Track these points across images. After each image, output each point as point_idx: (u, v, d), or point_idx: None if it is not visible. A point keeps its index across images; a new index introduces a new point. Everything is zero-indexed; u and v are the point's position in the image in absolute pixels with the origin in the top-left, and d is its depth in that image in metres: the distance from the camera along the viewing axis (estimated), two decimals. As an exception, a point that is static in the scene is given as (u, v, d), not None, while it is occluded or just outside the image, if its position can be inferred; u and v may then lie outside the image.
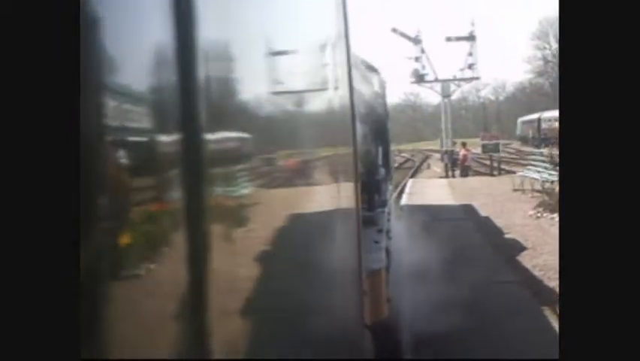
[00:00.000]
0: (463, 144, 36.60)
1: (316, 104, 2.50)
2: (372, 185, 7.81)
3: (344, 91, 3.32)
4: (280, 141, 1.85)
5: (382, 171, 8.87)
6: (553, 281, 9.16)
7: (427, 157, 50.18)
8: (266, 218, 1.60)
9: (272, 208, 1.69)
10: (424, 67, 47.29)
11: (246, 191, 1.42)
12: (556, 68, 71.91)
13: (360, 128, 4.99)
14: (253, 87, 1.60)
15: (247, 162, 1.44)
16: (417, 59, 47.09)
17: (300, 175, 2.14)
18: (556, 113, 39.28)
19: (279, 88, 1.86)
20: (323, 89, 2.62)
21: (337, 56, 3.07)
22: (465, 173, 33.31)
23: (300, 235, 2.03)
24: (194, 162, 1.03)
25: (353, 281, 3.32)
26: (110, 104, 0.80)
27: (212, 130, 1.13)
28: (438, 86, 47.94)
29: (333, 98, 2.88)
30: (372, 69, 9.95)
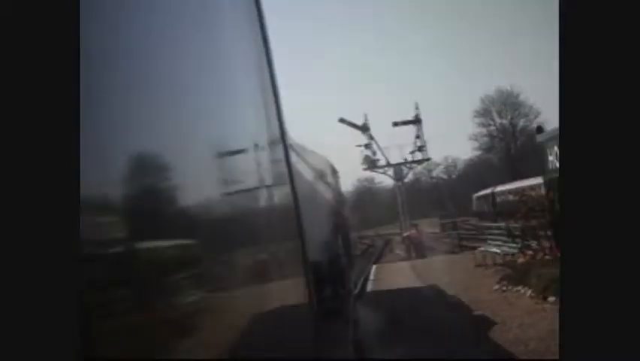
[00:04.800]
0: (414, 225, 36.63)
1: (259, 201, 2.50)
2: (335, 275, 7.76)
3: (286, 186, 3.35)
4: (225, 243, 1.83)
5: (344, 260, 8.83)
6: (524, 356, 9.19)
7: (388, 241, 50.19)
8: (215, 323, 1.57)
9: (221, 313, 1.66)
10: (374, 153, 48.12)
11: (193, 298, 1.39)
12: (502, 144, 73.56)
13: (314, 220, 4.99)
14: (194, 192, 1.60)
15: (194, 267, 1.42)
16: (367, 146, 47.93)
17: (251, 275, 2.11)
18: (508, 186, 39.27)
19: (223, 190, 1.86)
20: (263, 186, 2.63)
21: (276, 153, 3.11)
22: (421, 254, 32.46)
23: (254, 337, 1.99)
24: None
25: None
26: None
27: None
28: (391, 171, 48.66)
29: (275, 194, 2.89)
30: (322, 161, 10.07)
